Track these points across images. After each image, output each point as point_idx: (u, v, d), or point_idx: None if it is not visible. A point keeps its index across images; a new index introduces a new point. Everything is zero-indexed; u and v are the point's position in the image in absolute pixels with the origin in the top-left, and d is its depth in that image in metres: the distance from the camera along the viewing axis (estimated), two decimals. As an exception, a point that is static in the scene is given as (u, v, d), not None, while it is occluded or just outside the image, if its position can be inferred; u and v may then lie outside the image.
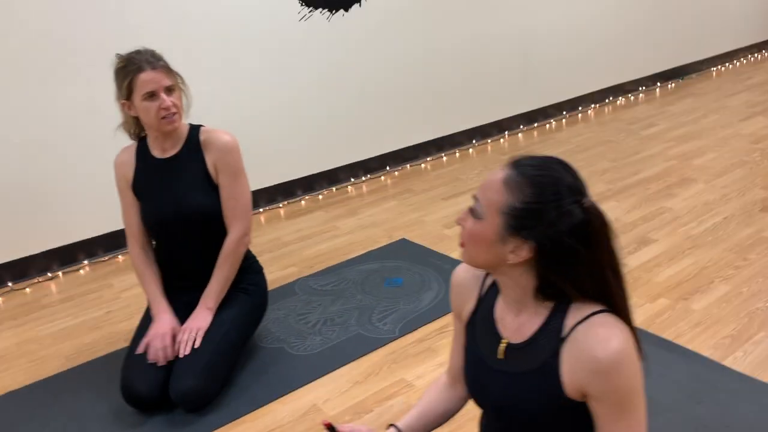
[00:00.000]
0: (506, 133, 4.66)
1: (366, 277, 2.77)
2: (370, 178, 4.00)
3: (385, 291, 2.65)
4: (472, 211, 1.15)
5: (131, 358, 2.03)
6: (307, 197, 3.76)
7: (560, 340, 1.13)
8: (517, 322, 1.21)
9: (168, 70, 1.99)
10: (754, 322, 2.25)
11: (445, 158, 4.27)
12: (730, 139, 4.15)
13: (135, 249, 2.20)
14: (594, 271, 1.12)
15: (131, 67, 1.94)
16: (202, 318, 2.09)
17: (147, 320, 2.14)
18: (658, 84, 5.63)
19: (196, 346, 2.02)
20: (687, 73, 5.88)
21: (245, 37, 3.37)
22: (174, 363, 2.00)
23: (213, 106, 3.02)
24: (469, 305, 1.34)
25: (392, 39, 3.92)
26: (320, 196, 3.79)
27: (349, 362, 2.22)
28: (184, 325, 2.07)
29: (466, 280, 1.36)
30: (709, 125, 4.47)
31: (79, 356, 2.40)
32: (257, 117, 3.50)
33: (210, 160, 2.10)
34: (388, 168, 4.11)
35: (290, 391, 2.10)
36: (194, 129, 2.14)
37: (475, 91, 4.41)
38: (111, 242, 3.21)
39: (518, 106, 4.70)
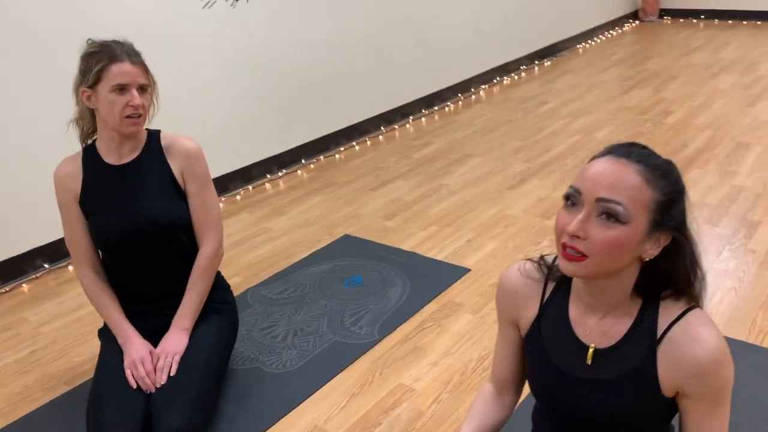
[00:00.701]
0: (410, 118, 4.65)
1: (322, 280, 2.63)
2: (286, 173, 3.82)
3: (347, 292, 2.53)
4: (608, 216, 1.02)
5: (100, 402, 1.75)
6: (224, 198, 3.51)
7: (656, 341, 1.10)
8: (602, 325, 1.16)
9: (146, 69, 1.77)
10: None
11: (357, 147, 4.18)
12: (618, 112, 4.44)
13: (86, 272, 1.92)
14: (690, 257, 1.11)
15: (107, 54, 1.71)
16: (177, 341, 1.86)
17: (111, 353, 1.87)
18: (536, 62, 5.90)
19: (172, 374, 1.80)
20: (559, 50, 6.22)
21: (148, 29, 3.04)
22: (153, 399, 1.76)
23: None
24: (528, 312, 1.26)
25: (296, 29, 3.74)
26: (238, 197, 3.55)
27: (337, 374, 2.09)
28: (158, 349, 1.84)
29: (522, 286, 1.27)
30: (595, 100, 4.75)
31: (14, 410, 2.05)
32: (163, 112, 3.18)
33: (176, 166, 1.89)
34: (303, 161, 3.94)
35: (284, 416, 1.93)
36: (153, 133, 1.92)
37: (377, 78, 4.35)
38: (10, 269, 2.78)
39: (416, 90, 4.70)
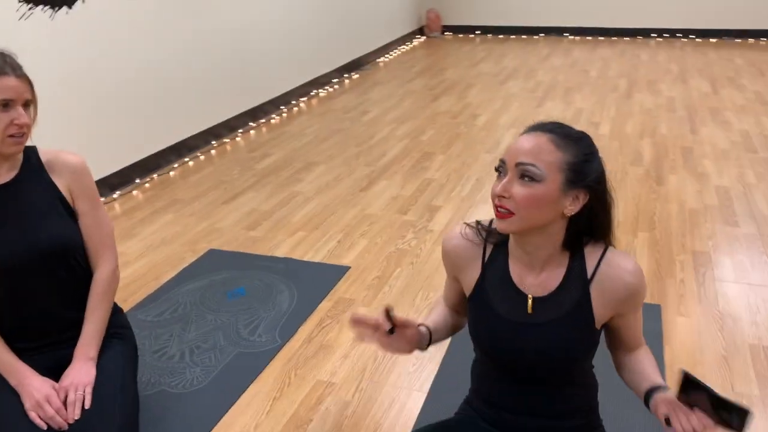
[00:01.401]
0: (238, 131, 4.60)
1: (202, 296, 2.54)
2: (121, 195, 3.57)
3: (233, 304, 2.48)
4: (524, 177, 1.22)
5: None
6: (58, 227, 3.18)
7: (587, 281, 1.32)
8: (539, 279, 1.35)
9: (30, 84, 1.57)
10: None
11: (191, 163, 4.04)
12: (434, 117, 4.84)
13: None
14: (608, 210, 1.34)
15: None
16: (85, 372, 1.69)
17: (3, 399, 1.64)
18: (345, 76, 6.17)
19: (86, 407, 1.64)
20: (362, 64, 6.56)
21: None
22: None
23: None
24: (471, 273, 1.41)
25: (124, 48, 3.53)
26: (73, 224, 3.24)
27: (251, 382, 2.05)
28: (64, 383, 1.66)
29: (462, 249, 1.42)
30: (410, 107, 5.11)
31: None
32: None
33: (62, 183, 1.72)
34: (137, 180, 3.71)
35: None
36: (30, 150, 1.71)
37: (201, 93, 4.25)
38: None
39: (240, 104, 4.68)
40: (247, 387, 2.03)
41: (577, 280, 1.32)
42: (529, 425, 1.43)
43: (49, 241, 1.67)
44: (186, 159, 4.08)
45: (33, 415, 1.60)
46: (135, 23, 3.61)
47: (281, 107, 5.12)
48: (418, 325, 1.41)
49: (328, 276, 2.65)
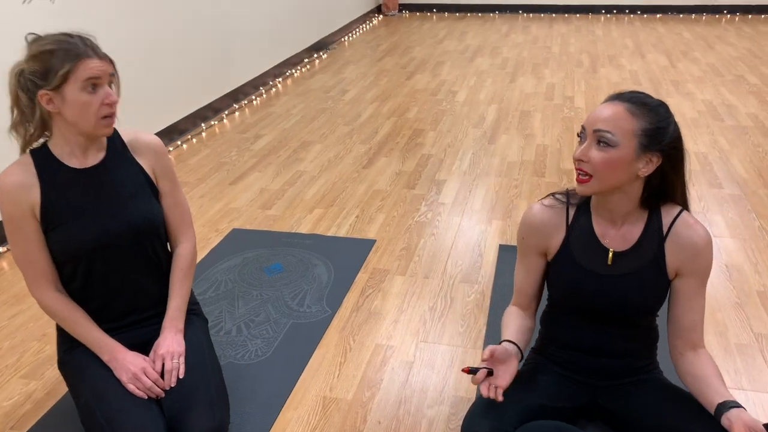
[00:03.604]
0: (223, 113, 4.61)
1: (240, 273, 2.61)
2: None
3: (273, 279, 2.56)
4: (601, 143, 1.38)
5: (116, 426, 1.60)
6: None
7: (663, 237, 1.50)
8: (620, 232, 1.53)
9: (112, 61, 1.61)
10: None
11: (185, 146, 4.04)
12: (413, 94, 4.97)
13: (49, 293, 1.70)
14: (679, 172, 1.52)
15: (72, 52, 1.51)
16: (177, 342, 1.77)
17: (99, 375, 1.69)
18: (315, 55, 6.20)
19: (181, 375, 1.72)
20: (329, 44, 6.60)
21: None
22: (170, 404, 1.67)
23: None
24: (556, 239, 1.58)
25: (102, 22, 3.50)
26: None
27: (313, 350, 2.16)
28: (160, 351, 1.73)
29: (548, 217, 1.58)
30: (388, 86, 5.22)
31: None
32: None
33: (146, 164, 1.77)
34: (137, 166, 3.69)
35: (287, 398, 1.96)
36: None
37: (185, 77, 4.23)
38: None
39: (223, 86, 4.67)
40: (312, 354, 2.14)
41: (654, 236, 1.50)
42: (601, 364, 1.62)
43: (142, 219, 1.73)
44: (179, 143, 4.07)
45: (132, 387, 1.66)
46: (120, 7, 3.58)
47: (260, 88, 5.14)
48: (502, 342, 1.54)
49: (357, 249, 2.76)
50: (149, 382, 1.67)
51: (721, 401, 1.38)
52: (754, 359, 2.05)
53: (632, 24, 7.32)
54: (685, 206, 1.54)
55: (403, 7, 8.43)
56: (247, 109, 4.75)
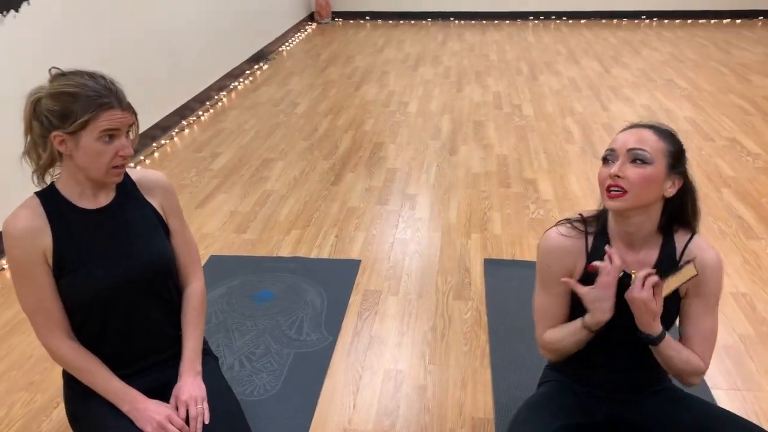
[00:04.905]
0: (173, 131, 4.46)
1: (228, 303, 2.54)
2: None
3: (265, 308, 2.51)
4: (637, 160, 1.45)
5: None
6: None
7: (676, 261, 1.59)
8: (638, 257, 1.60)
9: (134, 111, 1.54)
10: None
11: (148, 162, 3.89)
12: (365, 105, 4.98)
13: (62, 341, 1.61)
14: (695, 196, 1.61)
15: (94, 99, 1.44)
16: (198, 386, 1.71)
17: (116, 429, 1.62)
18: (255, 66, 6.10)
19: (206, 422, 1.67)
20: (267, 54, 6.51)
21: None
22: None
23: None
24: (578, 265, 1.63)
25: (55, 42, 3.32)
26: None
27: (323, 380, 2.14)
28: (183, 398, 1.66)
29: (568, 243, 1.63)
30: (338, 97, 5.20)
31: None
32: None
33: (156, 202, 1.71)
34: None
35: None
36: None
37: (137, 93, 4.07)
38: None
39: (169, 103, 4.53)
40: (322, 385, 2.11)
41: (669, 260, 1.58)
42: (620, 378, 1.69)
43: (158, 259, 1.67)
44: (132, 164, 3.90)
45: None
46: (78, 25, 3.41)
47: (206, 103, 5.01)
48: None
49: (343, 270, 2.75)
50: (176, 431, 1.61)
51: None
52: (742, 360, 2.19)
53: (560, 30, 7.61)
54: (695, 230, 1.62)
55: (336, 15, 8.42)
56: (195, 126, 4.61)
